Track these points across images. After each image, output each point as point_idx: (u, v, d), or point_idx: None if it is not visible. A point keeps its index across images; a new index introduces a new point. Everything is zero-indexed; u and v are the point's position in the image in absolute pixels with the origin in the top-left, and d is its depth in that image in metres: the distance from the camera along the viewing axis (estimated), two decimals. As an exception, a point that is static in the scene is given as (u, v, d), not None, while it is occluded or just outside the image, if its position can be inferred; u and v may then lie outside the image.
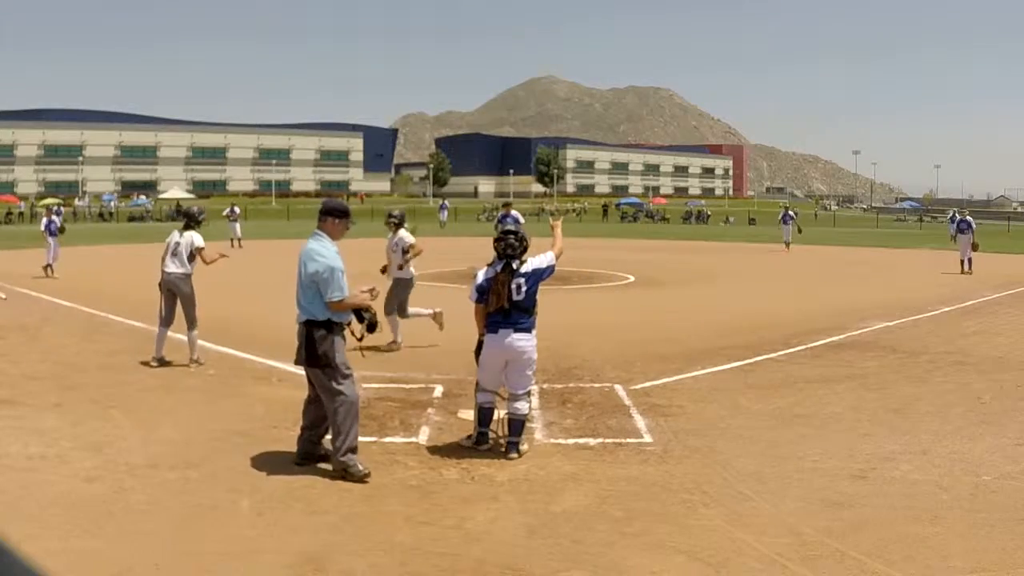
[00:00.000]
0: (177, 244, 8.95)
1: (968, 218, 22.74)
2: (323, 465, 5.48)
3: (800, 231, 33.02)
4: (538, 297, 5.99)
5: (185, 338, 8.94)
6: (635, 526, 4.52)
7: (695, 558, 4.09)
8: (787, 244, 32.01)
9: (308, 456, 5.58)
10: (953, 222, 24.44)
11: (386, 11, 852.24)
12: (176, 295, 8.91)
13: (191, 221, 9.09)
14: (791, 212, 33.49)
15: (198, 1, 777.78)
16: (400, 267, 9.97)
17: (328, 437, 5.50)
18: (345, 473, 5.22)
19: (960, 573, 3.93)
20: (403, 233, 10.08)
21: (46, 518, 4.52)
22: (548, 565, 4.03)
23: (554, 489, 5.13)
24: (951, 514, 4.65)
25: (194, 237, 8.96)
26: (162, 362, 8.80)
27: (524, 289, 5.83)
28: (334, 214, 5.63)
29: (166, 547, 4.21)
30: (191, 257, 8.94)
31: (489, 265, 5.94)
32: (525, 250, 5.99)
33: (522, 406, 5.81)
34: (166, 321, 8.92)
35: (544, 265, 5.97)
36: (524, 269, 5.88)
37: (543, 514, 4.72)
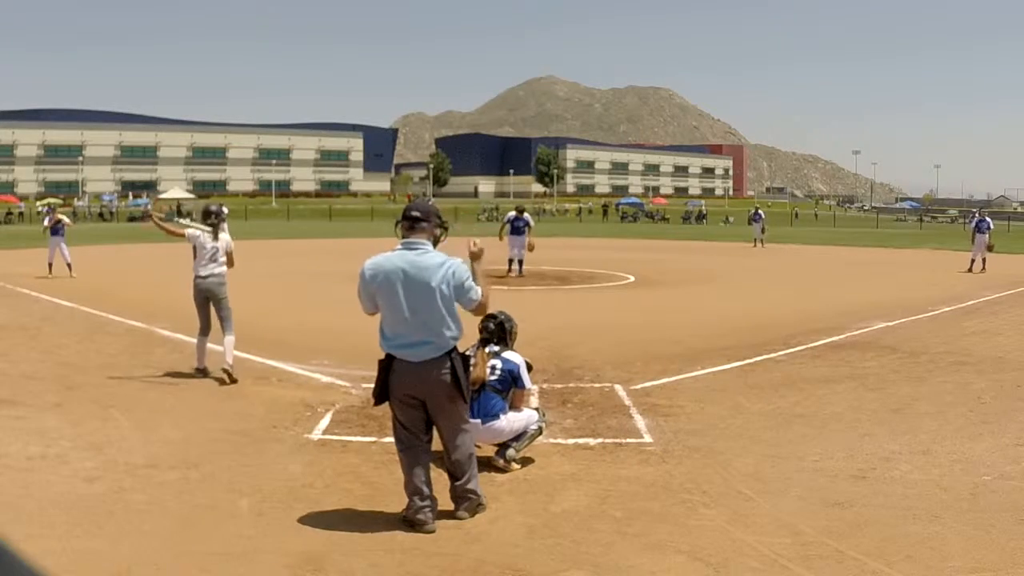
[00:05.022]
0: (215, 247, 8.34)
1: (987, 218, 22.98)
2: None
3: (764, 230, 33.52)
4: (520, 367, 5.76)
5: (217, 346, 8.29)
6: (635, 526, 4.52)
7: (695, 558, 4.09)
8: (755, 242, 32.86)
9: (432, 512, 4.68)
10: (973, 222, 24.91)
11: (386, 11, 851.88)
12: (211, 300, 8.38)
13: (215, 220, 8.43)
14: (760, 212, 35.16)
15: (198, 1, 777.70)
16: None
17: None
18: (478, 508, 4.73)
19: (960, 573, 3.93)
20: None
21: (46, 518, 4.52)
22: (548, 565, 4.03)
23: (554, 489, 5.13)
24: (951, 514, 4.65)
25: (228, 237, 8.54)
26: (204, 373, 8.31)
27: (498, 371, 5.66)
28: (431, 219, 4.76)
29: (166, 547, 4.21)
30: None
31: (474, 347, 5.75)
32: (505, 335, 5.90)
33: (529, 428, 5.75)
34: (204, 329, 8.41)
35: (523, 379, 5.73)
36: (505, 355, 5.75)
37: (543, 514, 4.72)
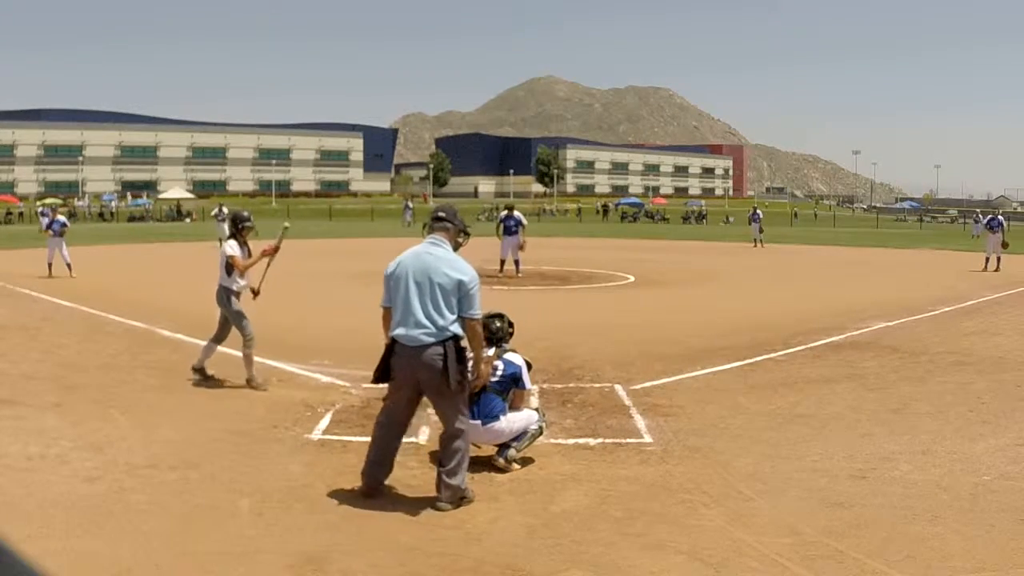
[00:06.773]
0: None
1: (999, 217, 23.39)
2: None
3: (762, 231, 33.53)
4: (522, 369, 5.75)
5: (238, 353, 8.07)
6: (635, 526, 4.52)
7: (695, 558, 4.09)
8: (755, 242, 32.89)
9: (377, 487, 5.01)
10: (977, 222, 25.22)
11: (386, 11, 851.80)
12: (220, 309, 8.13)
13: (232, 227, 8.17)
14: (759, 212, 35.19)
15: (198, 1, 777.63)
16: None
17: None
18: (462, 501, 4.86)
19: (960, 573, 3.93)
20: None
21: (46, 518, 4.52)
22: (548, 565, 4.03)
23: (554, 489, 5.14)
24: (951, 514, 4.65)
25: (226, 246, 8.07)
26: (201, 373, 8.06)
27: (499, 373, 5.66)
28: (455, 221, 5.15)
29: (166, 547, 4.21)
30: (228, 268, 7.98)
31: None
32: (510, 333, 5.95)
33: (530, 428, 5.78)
34: (215, 336, 8.17)
35: (524, 380, 5.75)
36: (508, 356, 5.76)
37: (543, 514, 4.72)
